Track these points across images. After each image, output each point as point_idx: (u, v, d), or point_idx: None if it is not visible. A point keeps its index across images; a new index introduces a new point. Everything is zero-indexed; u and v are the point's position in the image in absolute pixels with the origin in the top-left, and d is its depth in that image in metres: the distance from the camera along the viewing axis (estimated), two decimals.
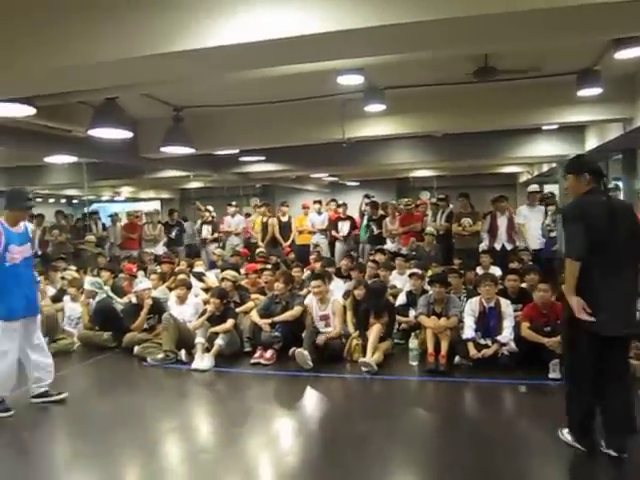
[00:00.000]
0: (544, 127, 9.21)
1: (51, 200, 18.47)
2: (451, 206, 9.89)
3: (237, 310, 6.50)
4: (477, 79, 6.05)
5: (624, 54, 5.22)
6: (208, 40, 3.38)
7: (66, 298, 7.15)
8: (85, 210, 13.97)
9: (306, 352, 5.66)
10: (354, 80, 5.86)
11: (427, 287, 6.52)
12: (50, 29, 3.60)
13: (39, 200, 16.88)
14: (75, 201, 19.61)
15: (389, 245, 10.16)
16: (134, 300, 6.78)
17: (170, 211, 12.51)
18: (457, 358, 5.63)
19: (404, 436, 4.17)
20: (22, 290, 4.54)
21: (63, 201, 19.09)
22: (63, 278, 7.93)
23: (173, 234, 11.66)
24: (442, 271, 7.01)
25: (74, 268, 8.71)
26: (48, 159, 9.58)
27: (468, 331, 5.63)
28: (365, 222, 10.68)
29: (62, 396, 4.82)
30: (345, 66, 5.29)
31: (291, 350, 5.91)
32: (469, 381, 5.36)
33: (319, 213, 11.55)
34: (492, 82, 6.11)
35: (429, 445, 4.05)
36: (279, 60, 4.02)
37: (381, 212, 10.68)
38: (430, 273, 7.21)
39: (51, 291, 7.76)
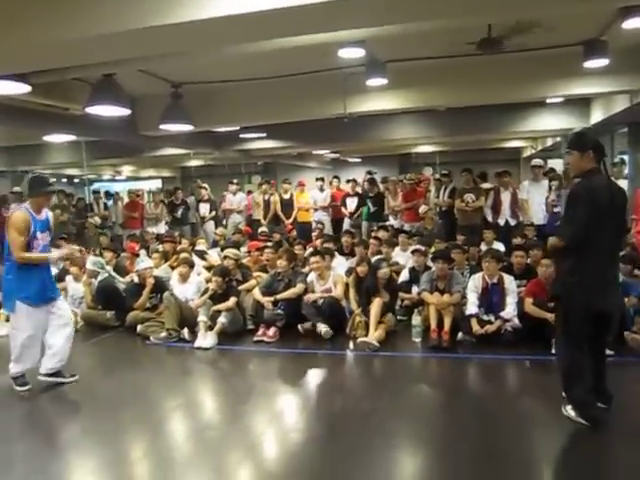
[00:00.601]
0: (548, 100, 9.06)
1: (52, 180, 18.38)
2: (454, 182, 9.80)
3: (239, 288, 6.49)
4: (481, 51, 5.92)
5: (631, 24, 5.09)
6: (203, 11, 3.30)
7: (68, 278, 7.14)
8: (86, 189, 13.91)
9: (325, 327, 5.77)
10: (355, 53, 5.74)
11: (430, 263, 6.48)
12: (46, 2, 3.51)
13: None
14: (76, 180, 19.52)
15: (392, 222, 10.12)
16: (136, 279, 6.77)
17: (175, 189, 12.44)
18: (460, 334, 5.62)
19: (408, 412, 4.17)
20: (43, 276, 4.61)
21: (64, 180, 19.00)
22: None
23: (179, 213, 11.62)
24: (445, 247, 6.96)
25: (77, 247, 8.67)
26: (46, 138, 9.51)
27: (471, 307, 5.61)
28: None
29: (73, 379, 4.84)
30: (346, 39, 5.18)
31: (301, 327, 6.01)
32: (472, 357, 5.36)
33: (321, 190, 11.48)
34: (496, 54, 5.97)
35: (433, 421, 4.05)
36: (278, 32, 3.93)
37: (381, 189, 10.60)
38: (433, 249, 7.17)
39: (54, 271, 7.73)
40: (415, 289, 6.36)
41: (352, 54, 5.80)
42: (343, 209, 10.90)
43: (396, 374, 5.16)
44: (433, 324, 5.62)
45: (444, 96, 7.42)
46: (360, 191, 11.02)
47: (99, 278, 7.00)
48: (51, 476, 3.44)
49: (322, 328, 5.88)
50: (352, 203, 10.76)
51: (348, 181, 11.77)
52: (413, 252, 6.78)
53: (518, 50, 6.19)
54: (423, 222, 9.50)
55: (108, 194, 14.16)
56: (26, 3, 3.55)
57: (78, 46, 3.77)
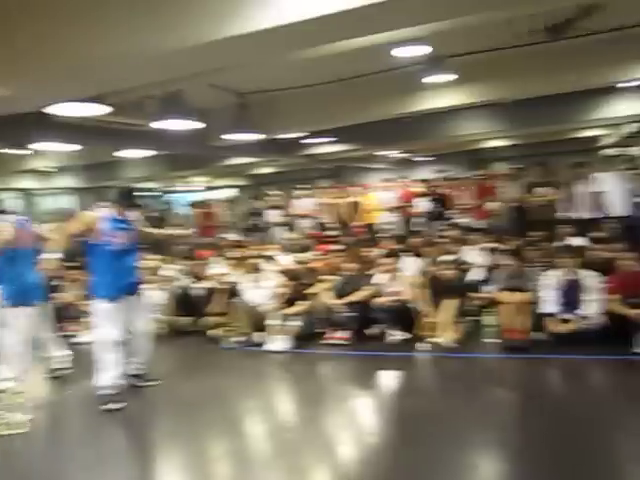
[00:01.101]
0: (620, 85, 8.50)
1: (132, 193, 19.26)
2: (525, 176, 9.48)
3: (309, 291, 6.56)
4: (549, 38, 5.68)
5: None
6: (264, 21, 3.36)
7: (148, 285, 7.47)
8: (163, 200, 14.51)
9: (395, 333, 5.75)
10: (417, 51, 5.69)
11: (502, 261, 6.29)
12: (119, 23, 3.70)
13: None
14: (154, 193, 20.39)
15: (460, 220, 9.92)
16: (210, 285, 7.00)
17: (251, 198, 12.78)
18: (536, 334, 5.42)
19: (484, 415, 4.07)
20: (123, 273, 4.74)
21: (144, 194, 19.90)
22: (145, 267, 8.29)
23: (254, 220, 11.91)
24: (518, 244, 6.74)
25: (155, 256, 9.09)
26: (125, 154, 10.01)
27: (547, 305, 5.39)
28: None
29: (156, 383, 5.08)
30: (407, 37, 5.13)
31: (371, 330, 5.99)
32: (550, 358, 5.16)
33: (389, 191, 11.42)
34: (561, 41, 5.71)
35: (510, 424, 3.95)
36: (339, 35, 3.93)
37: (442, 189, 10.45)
38: (505, 247, 6.95)
39: None
40: (487, 288, 6.20)
41: (413, 52, 5.75)
42: (412, 209, 10.79)
43: (470, 376, 5.05)
44: (507, 323, 5.45)
45: (510, 88, 7.19)
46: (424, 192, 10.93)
47: (176, 284, 7.29)
48: (136, 474, 3.63)
49: (392, 336, 5.83)
50: (421, 203, 10.64)
51: (416, 181, 11.64)
52: (483, 250, 6.61)
53: (585, 34, 5.90)
54: (492, 219, 9.25)
55: (183, 204, 14.68)
56: (103, 27, 3.75)
57: (152, 64, 3.95)
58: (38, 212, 15.30)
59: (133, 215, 4.91)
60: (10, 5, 3.90)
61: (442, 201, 10.22)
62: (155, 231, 5.26)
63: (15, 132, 6.40)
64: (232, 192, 20.13)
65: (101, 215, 4.67)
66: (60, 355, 5.53)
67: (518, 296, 5.59)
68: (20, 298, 4.99)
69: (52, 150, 8.75)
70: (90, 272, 4.83)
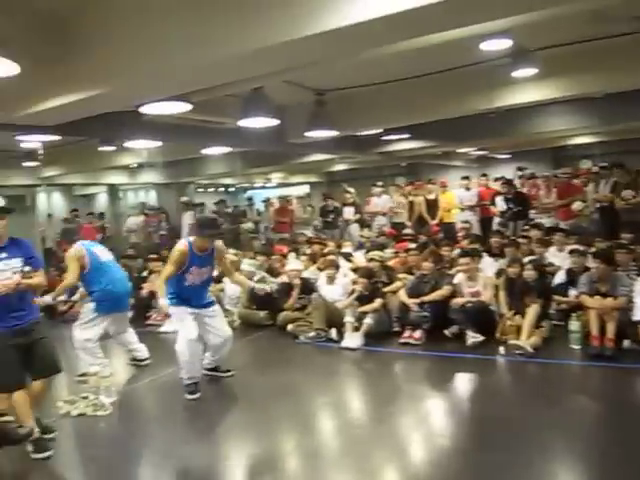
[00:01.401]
0: None
1: (210, 189, 19.92)
2: (615, 175, 8.93)
3: (385, 290, 6.51)
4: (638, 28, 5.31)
5: None
6: (347, 18, 3.33)
7: (226, 279, 7.68)
8: (240, 197, 14.86)
9: (473, 336, 5.64)
10: (501, 44, 5.47)
11: (590, 264, 5.98)
12: (197, 26, 3.79)
13: (200, 190, 18.29)
14: (231, 189, 20.95)
15: (544, 220, 9.51)
16: (286, 280, 7.09)
17: (326, 196, 12.86)
18: (626, 342, 5.12)
19: (565, 425, 3.89)
20: (194, 297, 4.85)
21: (221, 189, 20.47)
22: None
23: (330, 218, 11.97)
24: (608, 246, 6.37)
25: (233, 251, 9.33)
26: (205, 151, 10.32)
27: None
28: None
29: (229, 374, 5.24)
30: (490, 30, 4.95)
31: (448, 331, 5.93)
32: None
33: (467, 189, 11.14)
34: None
35: (594, 436, 3.75)
36: (421, 30, 3.85)
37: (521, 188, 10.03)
38: (593, 249, 6.59)
39: (214, 273, 8.40)
40: (572, 292, 5.91)
41: (497, 46, 5.54)
42: (493, 208, 10.47)
43: (552, 382, 4.84)
44: (594, 330, 5.17)
45: (601, 81, 6.77)
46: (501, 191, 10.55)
47: (254, 279, 7.43)
48: (209, 461, 3.73)
49: (471, 337, 5.68)
50: (502, 202, 10.28)
51: (497, 179, 11.25)
52: (571, 252, 6.31)
53: None
54: (579, 219, 8.80)
55: (249, 199, 14.92)
56: (178, 31, 3.87)
57: (235, 64, 4.02)
58: (124, 206, 16.16)
59: (213, 244, 4.84)
60: (107, 5, 4.10)
61: (521, 200, 9.82)
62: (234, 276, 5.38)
63: (106, 130, 6.74)
64: (305, 189, 20.36)
65: (186, 250, 4.69)
66: (139, 346, 5.84)
67: (607, 301, 5.28)
68: (110, 309, 5.34)
69: (138, 147, 9.14)
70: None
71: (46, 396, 4.06)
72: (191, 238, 4.80)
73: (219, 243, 4.96)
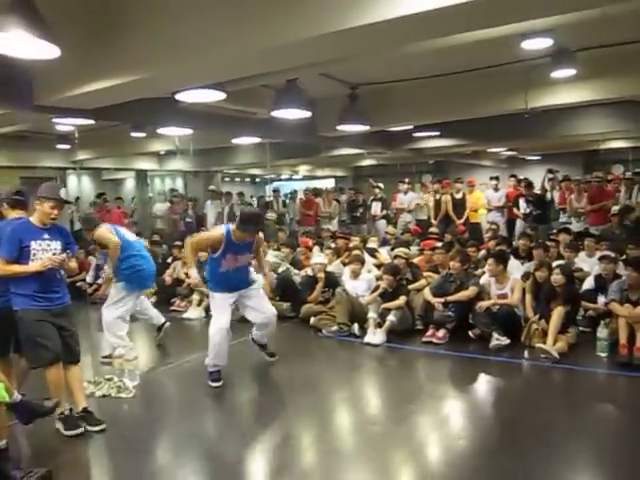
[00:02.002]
0: None
1: (237, 179, 20.01)
2: None
3: (409, 287, 6.48)
4: None
5: None
6: (394, 10, 3.30)
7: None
8: (267, 188, 14.90)
9: (499, 338, 5.58)
10: (541, 44, 5.37)
11: (620, 271, 5.87)
12: (234, 18, 3.81)
13: (227, 179, 18.40)
14: (257, 180, 21.00)
15: (574, 225, 9.37)
16: (310, 273, 7.10)
17: (355, 191, 12.83)
18: None
19: (590, 432, 3.84)
20: (233, 282, 4.87)
21: (247, 180, 20.54)
22: None
23: (358, 213, 11.96)
24: None
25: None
26: (235, 141, 10.36)
27: None
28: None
29: (273, 359, 5.38)
30: (531, 28, 4.87)
31: (472, 333, 5.88)
32: None
33: (496, 190, 11.01)
34: None
35: (620, 446, 3.67)
36: (459, 27, 3.81)
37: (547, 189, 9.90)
38: (625, 256, 6.47)
39: None
40: (601, 299, 5.81)
41: (537, 45, 5.44)
42: (515, 210, 10.35)
43: (577, 389, 4.77)
44: (623, 338, 5.07)
45: None
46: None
47: (279, 270, 7.46)
48: (228, 448, 3.78)
49: (495, 340, 5.60)
50: (525, 204, 10.16)
51: (519, 181, 11.11)
52: (601, 258, 6.19)
53: None
54: (610, 225, 8.64)
55: (275, 191, 14.88)
56: (217, 22, 3.88)
57: (271, 55, 4.02)
58: (152, 191, 16.33)
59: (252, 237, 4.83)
60: None
61: (542, 203, 9.68)
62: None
63: (141, 115, 6.80)
64: (332, 182, 20.33)
65: (221, 238, 4.70)
66: (154, 312, 6.11)
67: (638, 310, 5.18)
68: (139, 286, 5.57)
69: (169, 133, 9.21)
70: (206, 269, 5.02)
71: (79, 383, 4.08)
72: (231, 226, 4.78)
73: (260, 235, 5.02)
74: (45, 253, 3.76)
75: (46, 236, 3.82)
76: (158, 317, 6.12)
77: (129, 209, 13.92)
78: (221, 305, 4.80)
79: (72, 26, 4.34)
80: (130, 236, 5.63)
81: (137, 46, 4.22)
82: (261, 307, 5.03)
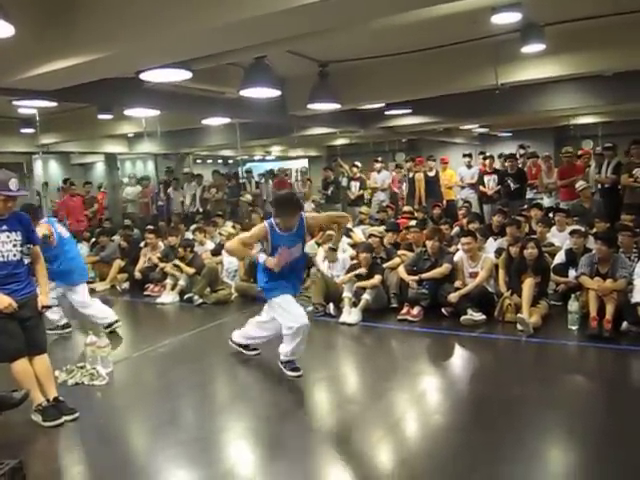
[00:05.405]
0: None
1: (209, 161, 19.74)
2: (619, 156, 8.87)
3: (384, 265, 6.48)
4: None
5: None
6: None
7: (224, 252, 7.64)
8: (239, 169, 14.73)
9: (473, 313, 5.61)
10: (510, 18, 5.34)
11: (590, 245, 5.95)
12: None
13: (199, 161, 18.14)
14: (230, 161, 20.75)
15: (545, 200, 9.48)
16: None
17: (326, 169, 12.72)
18: (625, 324, 5.11)
19: (561, 404, 3.90)
20: (290, 279, 4.55)
21: (220, 161, 20.28)
22: (221, 234, 8.50)
23: (330, 191, 11.87)
24: (610, 228, 6.34)
25: (230, 224, 9.28)
26: (205, 121, 10.16)
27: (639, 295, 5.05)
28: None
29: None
30: (499, 2, 4.84)
31: (446, 310, 5.91)
32: (638, 350, 4.85)
33: (469, 167, 11.06)
34: None
35: (590, 417, 3.74)
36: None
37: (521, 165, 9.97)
38: (594, 230, 6.57)
39: (210, 245, 8.37)
40: (572, 272, 5.89)
41: (506, 19, 5.41)
42: (481, 187, 10.42)
43: (549, 363, 4.85)
44: (593, 311, 5.16)
45: (611, 59, 6.63)
46: (499, 167, 10.45)
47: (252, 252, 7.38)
48: (203, 433, 3.71)
49: (469, 316, 5.64)
50: (490, 181, 10.22)
51: (485, 157, 11.16)
52: (572, 233, 6.27)
53: None
54: (580, 200, 8.75)
55: (248, 172, 14.67)
56: None
57: (235, 30, 3.91)
58: (121, 175, 15.99)
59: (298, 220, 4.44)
60: None
61: (521, 178, 9.76)
62: None
63: (105, 96, 6.60)
64: (304, 163, 20.20)
65: (266, 227, 4.42)
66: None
67: (607, 283, 5.27)
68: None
69: (137, 115, 8.99)
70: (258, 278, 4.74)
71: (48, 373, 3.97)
72: (273, 220, 4.41)
73: (308, 214, 4.77)
74: (5, 245, 3.63)
75: (4, 227, 3.65)
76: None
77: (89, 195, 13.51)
78: (288, 302, 4.44)
79: (26, 4, 4.15)
80: (64, 233, 5.75)
81: (94, 24, 4.07)
82: None
